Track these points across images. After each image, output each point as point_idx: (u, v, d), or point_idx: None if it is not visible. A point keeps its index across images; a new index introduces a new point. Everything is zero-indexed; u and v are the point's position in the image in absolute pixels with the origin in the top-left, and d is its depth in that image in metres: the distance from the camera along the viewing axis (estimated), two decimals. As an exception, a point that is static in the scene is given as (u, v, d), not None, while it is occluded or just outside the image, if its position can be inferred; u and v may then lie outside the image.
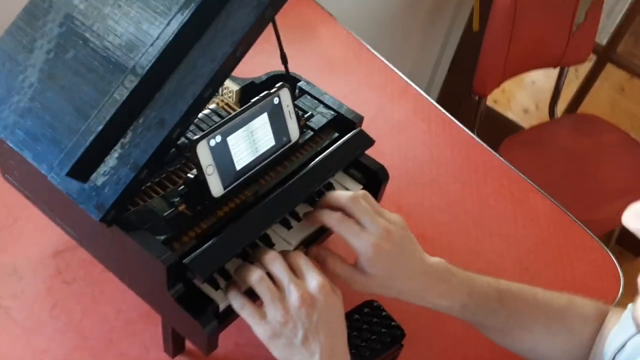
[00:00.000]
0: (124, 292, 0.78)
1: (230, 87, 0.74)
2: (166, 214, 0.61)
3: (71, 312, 0.76)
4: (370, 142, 0.73)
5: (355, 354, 0.68)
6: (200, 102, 0.58)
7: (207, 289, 0.62)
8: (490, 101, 2.35)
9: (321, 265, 0.65)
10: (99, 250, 0.66)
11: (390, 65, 1.24)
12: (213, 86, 0.58)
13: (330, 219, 0.64)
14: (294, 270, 0.60)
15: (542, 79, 2.72)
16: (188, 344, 0.74)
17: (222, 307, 0.61)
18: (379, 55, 1.25)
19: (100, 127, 0.57)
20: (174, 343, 0.71)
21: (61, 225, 0.70)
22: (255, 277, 0.59)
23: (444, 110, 1.17)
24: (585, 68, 2.05)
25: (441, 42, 2.20)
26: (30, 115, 0.61)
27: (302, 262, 0.60)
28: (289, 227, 0.68)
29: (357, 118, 0.74)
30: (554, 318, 0.67)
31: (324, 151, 0.70)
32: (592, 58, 1.99)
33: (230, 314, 0.63)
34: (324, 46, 1.27)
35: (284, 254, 0.61)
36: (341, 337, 0.60)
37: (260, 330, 0.59)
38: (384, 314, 0.72)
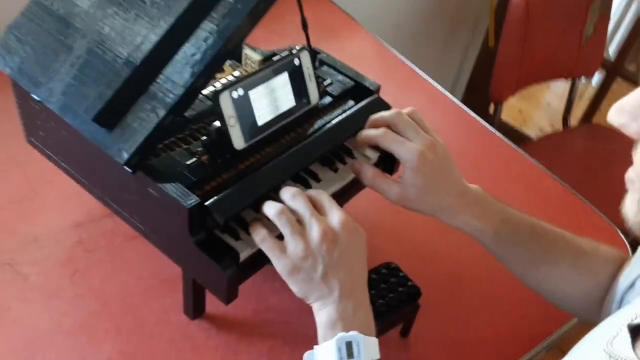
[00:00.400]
0: (145, 260, 0.80)
1: (253, 57, 0.77)
2: (189, 162, 0.62)
3: (91, 278, 0.77)
4: (387, 107, 0.74)
5: (374, 311, 0.67)
6: (224, 52, 0.60)
7: (227, 238, 0.63)
8: (508, 119, 2.40)
9: (360, 174, 0.67)
10: (122, 205, 0.68)
11: (411, 65, 1.27)
12: (233, 40, 0.60)
13: (375, 133, 0.66)
14: (317, 207, 0.59)
15: (557, 100, 2.76)
16: (208, 306, 0.75)
17: (242, 256, 0.62)
18: (398, 55, 1.28)
19: (126, 75, 0.59)
20: (195, 303, 0.71)
21: (85, 183, 0.71)
22: (275, 209, 0.58)
23: (461, 105, 1.19)
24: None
25: (459, 60, 2.25)
26: (59, 71, 0.64)
27: (325, 198, 0.60)
28: (308, 187, 0.69)
29: (374, 86, 0.76)
30: (581, 258, 0.68)
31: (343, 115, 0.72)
32: (603, 72, 2.03)
33: (249, 266, 0.64)
34: (347, 47, 1.31)
35: (307, 192, 0.61)
36: (361, 277, 0.60)
37: (280, 264, 0.58)
38: (401, 274, 0.72)
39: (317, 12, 1.29)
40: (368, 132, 0.67)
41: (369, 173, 0.67)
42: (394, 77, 1.23)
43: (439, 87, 1.21)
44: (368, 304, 0.59)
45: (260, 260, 0.65)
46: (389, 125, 0.67)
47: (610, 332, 0.47)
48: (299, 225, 0.59)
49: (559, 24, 1.66)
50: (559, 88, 2.83)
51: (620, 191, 0.56)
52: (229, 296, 0.62)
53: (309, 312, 0.77)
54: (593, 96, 2.07)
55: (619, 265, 0.68)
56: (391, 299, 0.69)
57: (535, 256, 0.68)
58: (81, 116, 0.61)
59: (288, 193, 0.60)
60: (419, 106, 0.70)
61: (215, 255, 0.60)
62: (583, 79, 2.11)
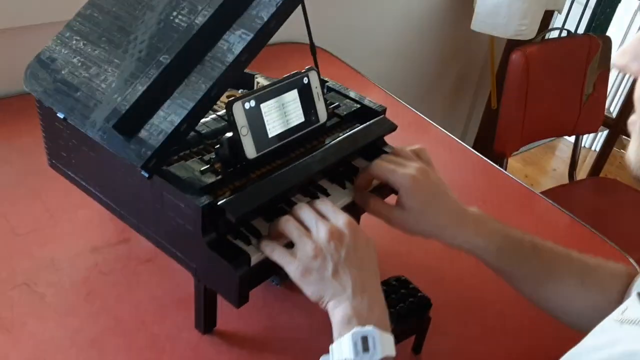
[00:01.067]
0: (159, 281, 0.81)
1: (262, 82, 0.82)
2: (202, 169, 0.65)
3: (106, 298, 0.78)
4: (392, 126, 0.78)
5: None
6: (237, 65, 0.64)
7: (239, 243, 0.65)
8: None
9: (363, 204, 0.71)
10: (138, 216, 0.70)
11: (419, 113, 1.32)
12: (248, 52, 0.65)
13: (372, 164, 0.70)
14: (321, 215, 0.62)
15: (563, 166, 2.80)
16: (219, 323, 0.75)
17: (253, 259, 0.63)
18: (409, 107, 1.34)
19: (145, 87, 0.64)
20: (206, 316, 0.72)
21: (103, 199, 0.75)
22: (282, 219, 0.62)
23: (465, 145, 1.23)
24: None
25: (464, 120, 2.32)
26: (80, 86, 0.69)
27: (329, 205, 0.63)
28: (317, 200, 0.71)
29: (380, 108, 0.80)
30: (588, 273, 0.68)
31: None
32: (605, 130, 2.07)
33: (260, 272, 0.65)
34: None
35: (310, 203, 0.64)
36: (373, 275, 0.61)
37: (292, 268, 0.60)
38: (411, 286, 0.72)
39: (329, 69, 1.38)
40: (363, 170, 0.72)
41: (370, 201, 0.71)
42: (406, 125, 1.28)
43: (451, 135, 1.26)
44: (383, 302, 0.60)
45: (271, 266, 0.66)
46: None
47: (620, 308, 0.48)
48: (306, 230, 0.62)
49: (558, 83, 1.72)
50: (564, 153, 2.88)
51: (626, 239, 0.59)
52: (240, 298, 0.63)
53: (318, 330, 0.78)
54: (597, 154, 2.10)
55: (628, 279, 0.68)
56: (402, 308, 0.69)
57: (540, 273, 0.69)
58: (101, 126, 0.65)
59: (294, 207, 0.64)
60: (431, 149, 0.75)
61: (227, 255, 0.62)
62: (586, 142, 2.15)
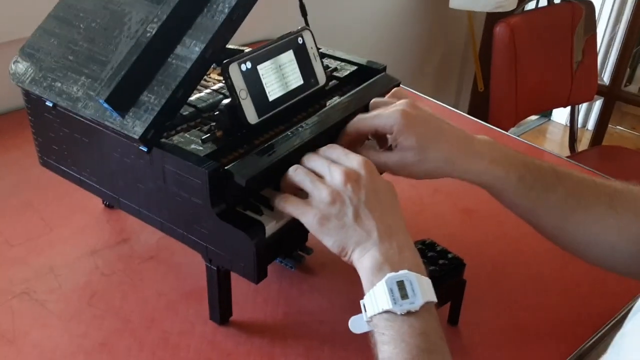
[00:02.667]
0: (164, 277, 0.76)
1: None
2: (203, 137, 0.61)
3: (110, 299, 0.73)
4: (395, 82, 0.74)
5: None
6: (229, 23, 0.60)
7: (250, 214, 0.60)
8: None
9: None
10: (140, 201, 0.65)
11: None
12: (240, 8, 0.61)
13: (352, 121, 0.63)
14: (333, 160, 0.57)
15: (557, 148, 2.78)
16: (234, 314, 0.70)
17: (268, 229, 0.58)
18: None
19: (135, 56, 0.60)
20: (221, 304, 0.67)
21: (101, 190, 0.70)
22: (290, 170, 0.56)
23: (467, 115, 1.20)
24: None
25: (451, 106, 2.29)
26: (67, 71, 0.64)
27: (339, 149, 0.58)
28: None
29: (380, 66, 0.76)
30: (617, 197, 0.60)
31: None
32: (601, 99, 2.05)
33: (275, 245, 0.60)
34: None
35: (318, 150, 0.59)
36: (397, 217, 0.55)
37: (309, 218, 0.54)
38: (439, 248, 0.67)
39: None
40: (345, 130, 0.64)
41: (367, 149, 0.63)
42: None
43: (445, 105, 1.23)
44: (413, 245, 0.54)
45: (286, 237, 0.61)
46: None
47: None
48: (318, 177, 0.56)
49: (547, 53, 1.70)
50: (555, 135, 2.87)
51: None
52: (259, 272, 0.58)
53: (342, 308, 0.73)
54: (596, 124, 2.08)
55: None
56: (433, 271, 0.63)
57: (567, 202, 0.60)
58: (93, 104, 0.61)
59: (303, 157, 0.59)
60: None
61: (241, 225, 0.57)
62: (578, 122, 2.14)
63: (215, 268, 0.63)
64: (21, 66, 0.68)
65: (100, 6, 0.67)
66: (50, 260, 0.78)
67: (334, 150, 0.58)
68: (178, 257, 0.79)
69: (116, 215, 0.86)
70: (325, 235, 0.54)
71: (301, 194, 0.58)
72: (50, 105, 0.65)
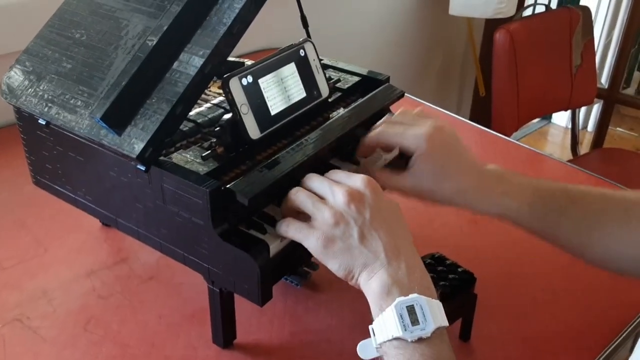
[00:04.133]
0: (164, 298, 0.73)
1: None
2: (204, 154, 0.58)
3: (108, 324, 0.70)
4: (399, 93, 0.72)
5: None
6: (229, 37, 0.58)
7: (254, 232, 0.57)
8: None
9: None
10: (138, 221, 0.62)
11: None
12: (240, 23, 0.59)
13: (375, 131, 0.62)
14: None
15: (559, 150, 2.77)
16: (239, 336, 0.67)
17: (272, 249, 0.56)
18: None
19: (133, 72, 0.57)
20: (224, 327, 0.64)
21: (97, 210, 0.67)
22: (291, 192, 0.54)
23: (470, 121, 1.18)
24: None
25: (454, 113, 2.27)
26: (60, 88, 0.62)
27: (341, 171, 0.56)
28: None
29: (383, 77, 0.74)
30: (632, 210, 0.59)
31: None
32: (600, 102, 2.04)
33: (280, 265, 0.57)
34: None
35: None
36: (405, 236, 0.53)
37: (312, 240, 0.52)
38: (448, 262, 0.65)
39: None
40: (366, 138, 0.63)
41: (376, 173, 0.62)
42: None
43: (452, 113, 1.21)
44: (422, 265, 0.52)
45: (291, 257, 0.59)
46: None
47: None
48: (319, 198, 0.54)
49: (546, 58, 1.69)
50: (556, 138, 2.86)
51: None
52: (263, 294, 0.55)
53: (351, 326, 0.70)
54: (596, 127, 2.06)
55: None
56: (443, 287, 0.61)
57: (583, 224, 0.60)
58: (88, 122, 0.58)
59: (304, 178, 0.57)
60: None
61: (244, 246, 0.54)
62: (579, 124, 2.14)
63: (217, 290, 0.60)
64: (12, 82, 0.66)
65: (95, 20, 0.64)
66: (45, 283, 0.75)
67: (335, 174, 0.56)
68: (179, 277, 0.76)
69: (114, 233, 0.83)
70: (330, 259, 0.52)
71: (303, 217, 0.55)
72: (43, 123, 0.63)
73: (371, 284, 0.50)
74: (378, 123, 0.64)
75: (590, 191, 0.61)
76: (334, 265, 0.52)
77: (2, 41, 1.03)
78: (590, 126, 2.79)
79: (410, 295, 0.48)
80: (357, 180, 0.54)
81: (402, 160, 0.65)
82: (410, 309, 0.47)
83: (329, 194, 0.53)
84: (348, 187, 0.53)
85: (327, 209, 0.52)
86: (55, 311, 0.71)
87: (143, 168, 0.56)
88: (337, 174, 0.56)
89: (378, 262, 0.50)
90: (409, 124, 0.61)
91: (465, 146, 0.61)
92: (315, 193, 0.55)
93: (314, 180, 0.55)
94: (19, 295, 0.73)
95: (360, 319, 0.72)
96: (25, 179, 0.76)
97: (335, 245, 0.51)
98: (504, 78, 1.61)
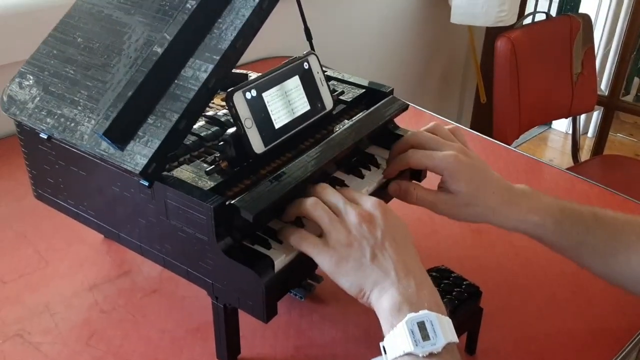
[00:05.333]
0: (168, 312, 0.72)
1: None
2: (208, 169, 0.58)
3: (111, 339, 0.69)
4: (403, 105, 0.71)
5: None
6: (233, 51, 0.58)
7: (258, 248, 0.57)
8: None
9: (403, 195, 0.65)
10: (141, 236, 0.62)
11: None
12: (243, 37, 0.58)
13: (403, 157, 0.65)
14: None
15: (559, 156, 2.77)
16: (243, 350, 0.66)
17: (277, 264, 0.55)
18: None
19: (136, 86, 0.57)
20: (229, 342, 0.63)
21: (100, 224, 0.66)
22: (309, 201, 0.55)
23: (476, 132, 1.18)
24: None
25: (454, 120, 2.27)
26: (62, 102, 0.62)
27: (353, 191, 0.58)
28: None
29: (386, 89, 0.74)
30: None
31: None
32: (600, 109, 2.04)
33: (285, 280, 0.57)
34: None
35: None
36: (413, 255, 0.54)
37: (326, 259, 0.53)
38: (453, 275, 0.64)
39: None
40: (396, 160, 0.66)
41: (413, 191, 0.65)
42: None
43: (448, 120, 1.20)
44: (431, 282, 0.53)
45: (296, 272, 0.58)
46: (412, 146, 0.66)
47: None
48: (334, 214, 0.55)
49: (547, 66, 1.69)
50: (556, 143, 2.86)
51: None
52: (268, 311, 0.55)
53: (357, 340, 0.69)
54: (597, 133, 2.06)
55: None
56: (449, 300, 0.61)
57: (608, 244, 0.62)
58: (91, 137, 0.58)
59: (317, 188, 0.58)
60: None
61: (248, 262, 0.54)
62: (580, 129, 2.16)
63: (222, 306, 0.60)
64: (13, 96, 0.65)
65: (99, 31, 0.64)
66: (46, 297, 0.74)
67: (348, 190, 0.58)
68: (183, 290, 0.75)
69: (116, 246, 0.82)
70: (342, 277, 0.53)
71: (309, 223, 0.57)
72: (45, 137, 0.62)
73: (382, 302, 0.51)
74: (405, 137, 0.67)
75: (617, 215, 0.64)
76: (346, 283, 0.53)
77: (3, 51, 1.03)
78: (591, 132, 2.79)
79: (421, 312, 0.49)
80: (368, 202, 0.56)
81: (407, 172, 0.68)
82: (421, 325, 0.48)
83: (343, 212, 0.55)
84: (360, 208, 0.55)
85: (342, 228, 0.53)
86: (57, 326, 0.71)
87: (146, 183, 0.55)
88: (350, 191, 0.58)
89: (388, 280, 0.51)
90: (435, 145, 0.65)
91: (489, 167, 0.65)
92: (328, 205, 0.56)
93: (329, 194, 0.56)
94: (19, 310, 0.72)
95: (365, 332, 0.72)
96: (27, 191, 0.75)
97: (347, 264, 0.53)
98: (505, 86, 1.61)
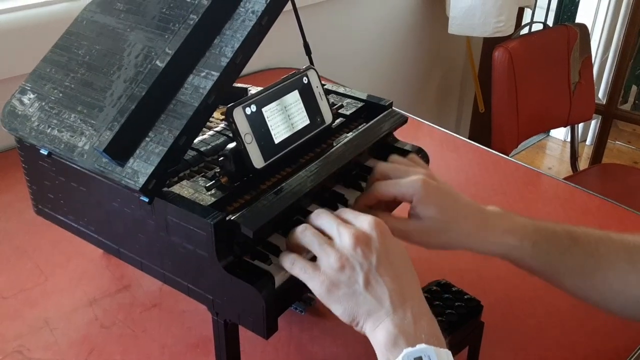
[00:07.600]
0: (168, 327, 0.72)
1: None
2: (208, 185, 0.58)
3: (111, 355, 0.69)
4: (402, 119, 0.72)
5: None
6: (233, 67, 0.58)
7: (258, 263, 0.57)
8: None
9: None
10: (142, 252, 0.62)
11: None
12: (243, 53, 0.59)
13: (372, 188, 0.62)
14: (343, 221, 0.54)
15: (558, 164, 2.77)
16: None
17: (277, 280, 0.55)
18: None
19: (134, 105, 0.57)
20: (229, 358, 0.63)
21: (100, 240, 0.66)
22: (299, 229, 0.53)
23: (472, 142, 1.18)
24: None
25: (453, 130, 2.27)
26: (62, 119, 0.62)
27: (349, 211, 0.55)
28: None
29: (385, 102, 0.74)
30: (636, 251, 0.59)
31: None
32: (599, 117, 2.04)
33: (286, 296, 0.57)
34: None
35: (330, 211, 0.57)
36: (411, 281, 0.52)
37: (317, 283, 0.51)
38: (454, 289, 0.64)
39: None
40: (362, 196, 0.63)
41: (386, 216, 0.61)
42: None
43: (452, 133, 1.21)
44: (429, 311, 0.51)
45: (297, 287, 0.58)
46: (377, 180, 0.63)
47: None
48: (327, 238, 0.53)
49: (545, 76, 1.70)
50: (555, 151, 2.86)
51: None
52: (269, 327, 0.55)
53: (357, 355, 0.69)
54: (595, 142, 2.06)
55: None
56: (450, 315, 0.61)
57: (586, 264, 0.60)
58: (91, 153, 0.58)
59: (310, 215, 0.56)
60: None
61: (249, 278, 0.54)
62: (578, 137, 2.17)
63: (222, 322, 0.60)
64: (14, 112, 0.66)
65: (100, 48, 0.64)
66: (46, 312, 0.74)
67: (343, 212, 0.56)
68: (183, 304, 0.75)
69: (116, 260, 0.81)
70: (334, 303, 0.51)
71: (308, 252, 0.55)
72: (45, 153, 0.62)
73: (377, 334, 0.49)
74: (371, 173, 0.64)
75: (593, 232, 0.62)
76: (338, 310, 0.51)
77: (4, 65, 1.03)
78: (589, 139, 2.79)
79: (418, 346, 0.46)
80: (365, 221, 0.53)
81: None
82: None
83: (336, 235, 0.52)
84: (355, 229, 0.52)
85: (333, 252, 0.51)
86: (57, 341, 0.70)
87: (147, 200, 0.55)
88: (345, 213, 0.55)
89: (383, 310, 0.49)
90: (400, 173, 0.61)
91: (457, 191, 0.62)
92: (322, 231, 0.54)
93: (322, 218, 0.54)
94: (19, 326, 0.72)
95: (365, 348, 0.71)
96: (26, 205, 0.75)
97: (339, 290, 0.50)
98: (504, 95, 1.62)
